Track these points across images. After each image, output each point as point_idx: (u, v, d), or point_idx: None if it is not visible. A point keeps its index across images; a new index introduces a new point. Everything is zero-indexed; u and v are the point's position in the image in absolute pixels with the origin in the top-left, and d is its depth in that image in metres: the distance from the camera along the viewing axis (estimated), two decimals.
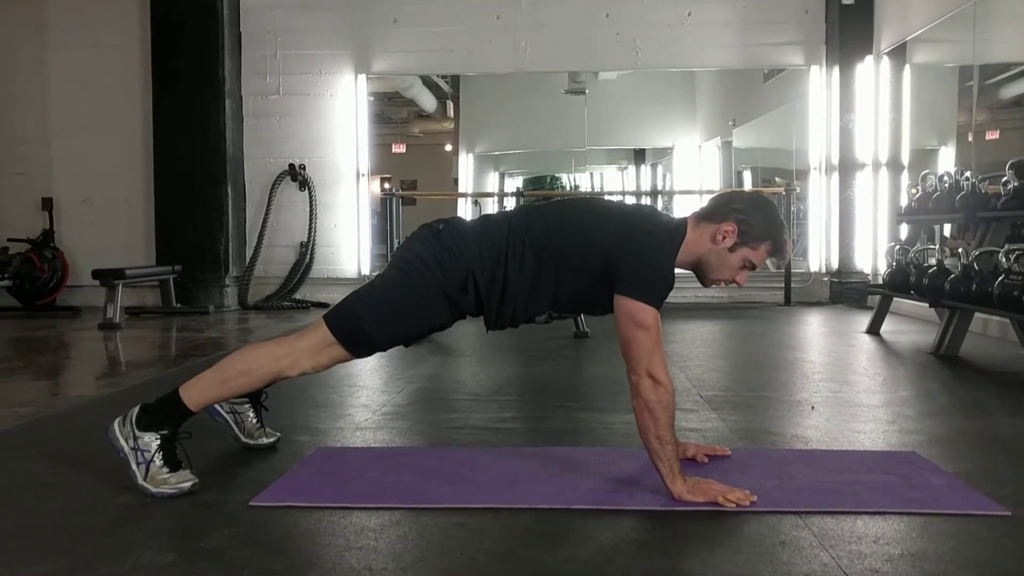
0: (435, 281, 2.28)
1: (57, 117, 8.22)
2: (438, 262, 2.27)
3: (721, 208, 2.29)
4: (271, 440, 2.72)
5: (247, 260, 8.06)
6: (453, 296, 2.30)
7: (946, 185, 5.15)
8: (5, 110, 8.24)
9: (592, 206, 2.41)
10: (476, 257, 2.27)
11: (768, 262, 8.07)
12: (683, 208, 12.99)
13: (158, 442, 2.22)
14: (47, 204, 8.03)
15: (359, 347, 2.34)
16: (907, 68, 7.19)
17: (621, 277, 2.18)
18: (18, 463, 2.61)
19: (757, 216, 2.26)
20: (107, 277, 6.63)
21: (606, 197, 14.17)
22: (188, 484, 2.21)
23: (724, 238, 2.25)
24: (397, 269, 2.34)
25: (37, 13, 8.17)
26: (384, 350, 2.42)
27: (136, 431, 2.22)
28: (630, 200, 14.18)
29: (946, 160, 7.25)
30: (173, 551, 1.87)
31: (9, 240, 7.76)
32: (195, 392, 2.28)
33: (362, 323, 2.29)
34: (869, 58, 7.53)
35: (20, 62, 8.21)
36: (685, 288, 7.72)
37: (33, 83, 8.19)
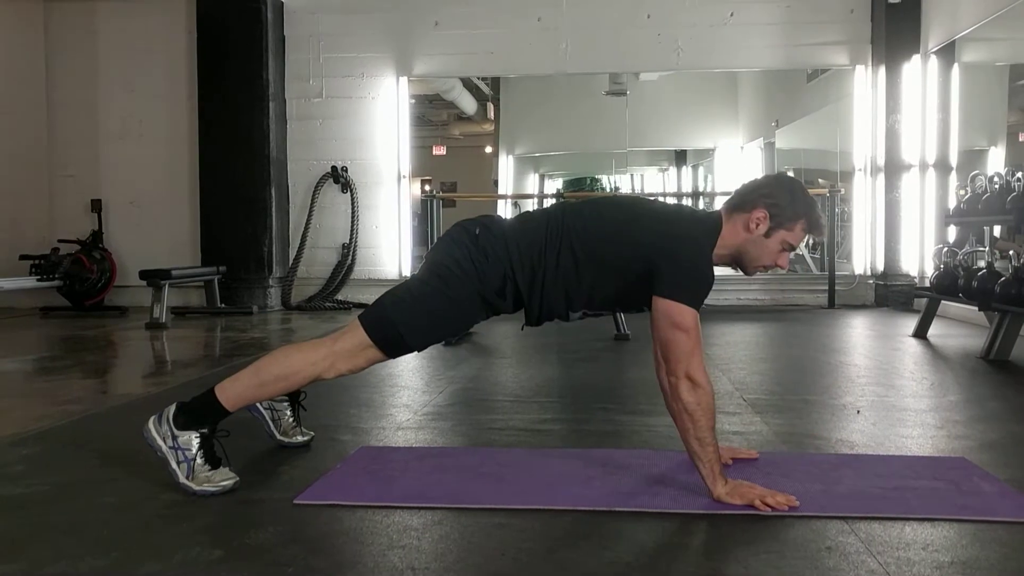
0: (472, 286, 2.28)
1: (105, 120, 8.39)
2: (475, 267, 2.27)
3: (749, 196, 2.27)
4: (305, 439, 2.74)
5: (290, 261, 8.15)
6: (490, 300, 2.31)
7: (996, 186, 5.04)
8: (56, 114, 8.42)
9: (630, 205, 2.39)
10: (514, 257, 2.27)
11: (810, 260, 7.89)
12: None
13: (198, 440, 2.25)
14: (96, 206, 8.19)
15: (395, 350, 2.36)
16: (955, 67, 7.06)
17: (660, 278, 2.17)
18: (68, 460, 2.66)
19: (786, 197, 2.25)
20: (154, 278, 6.74)
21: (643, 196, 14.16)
22: (230, 482, 2.24)
23: (758, 225, 2.23)
24: (434, 274, 2.32)
25: (87, 20, 8.34)
26: (420, 351, 2.43)
27: (174, 430, 2.24)
28: (671, 202, 14.11)
29: (996, 161, 7.11)
30: (219, 547, 1.90)
31: (59, 241, 7.93)
32: (232, 393, 2.30)
33: (398, 328, 2.29)
34: (916, 57, 7.40)
35: (71, 67, 8.38)
36: (727, 291, 7.67)
37: (83, 87, 8.37)
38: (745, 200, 2.27)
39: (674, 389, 2.14)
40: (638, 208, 2.37)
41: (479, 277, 2.27)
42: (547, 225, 2.29)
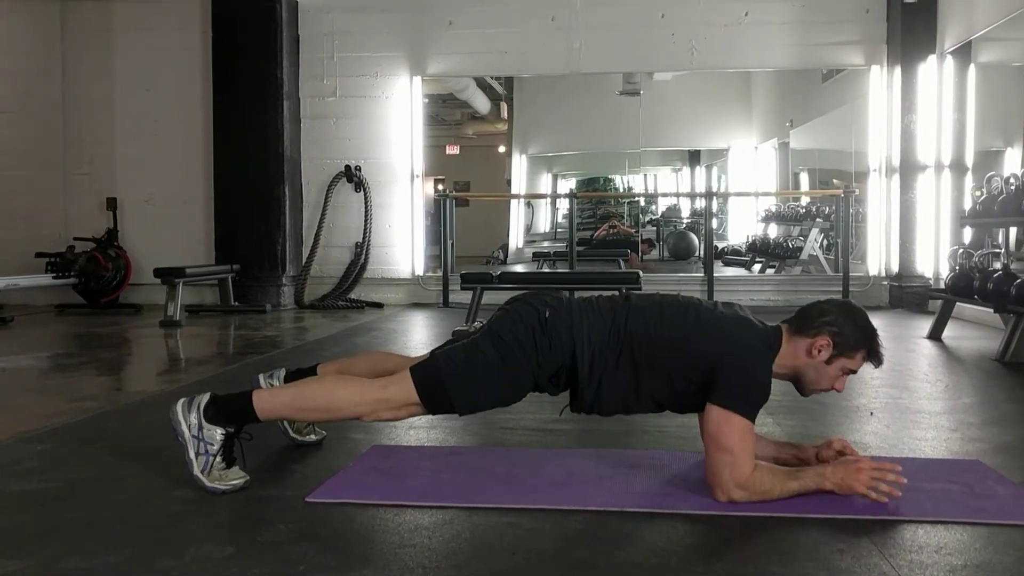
0: (530, 369, 2.29)
1: (121, 119, 8.43)
2: (537, 352, 2.27)
3: (813, 321, 2.28)
4: (317, 438, 2.76)
5: (303, 260, 8.17)
6: (540, 383, 2.32)
7: (1012, 187, 5.00)
8: (72, 113, 8.47)
9: (695, 311, 2.32)
10: (577, 351, 2.26)
11: (824, 261, 7.86)
12: (739, 211, 12.86)
13: (222, 437, 2.26)
14: (111, 204, 8.22)
15: (439, 410, 2.39)
16: (972, 68, 7.01)
17: (718, 385, 2.16)
18: (84, 456, 2.68)
19: (849, 326, 2.26)
20: (168, 276, 6.78)
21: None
22: (241, 481, 2.25)
23: (820, 352, 2.25)
24: (495, 348, 2.29)
25: (103, 19, 8.38)
26: (461, 416, 2.44)
27: (203, 420, 2.25)
28: (684, 202, 14.07)
29: (1012, 162, 7.05)
30: (232, 544, 1.91)
31: (75, 239, 7.97)
32: (268, 406, 2.31)
33: (449, 393, 2.29)
34: (932, 57, 7.35)
35: (87, 66, 8.43)
36: (740, 291, 7.65)
37: (99, 86, 8.41)
38: (809, 324, 2.28)
39: (728, 500, 2.12)
40: (703, 316, 2.31)
41: (538, 363, 2.28)
42: (612, 324, 2.28)
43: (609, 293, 2.43)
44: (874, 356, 2.28)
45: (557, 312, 2.30)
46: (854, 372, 2.30)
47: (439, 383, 2.29)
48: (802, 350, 2.26)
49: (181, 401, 2.29)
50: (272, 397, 2.34)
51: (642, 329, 2.27)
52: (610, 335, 2.27)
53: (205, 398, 2.29)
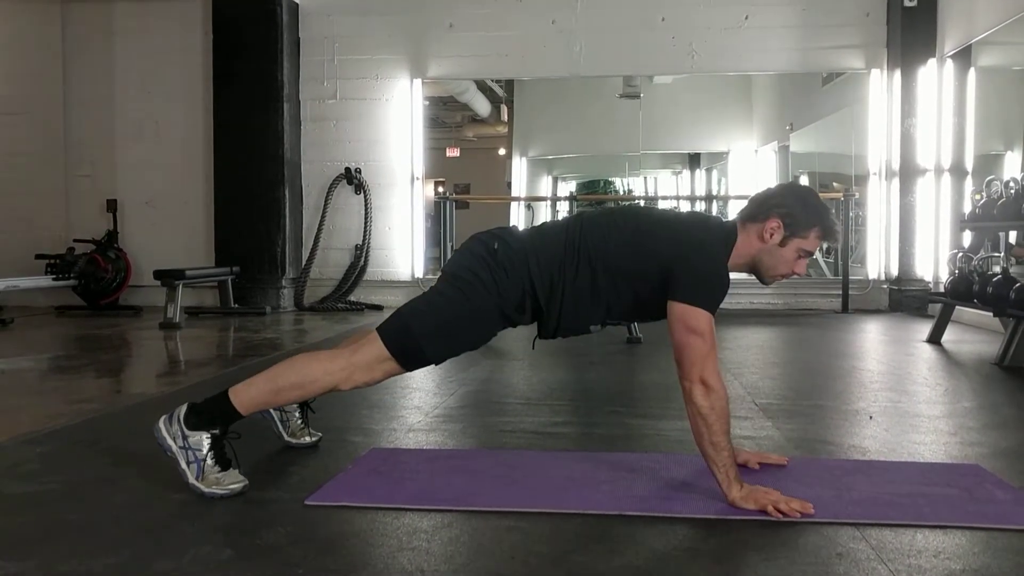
0: (492, 300, 2.28)
1: (121, 121, 8.44)
2: (495, 282, 2.27)
3: (762, 206, 2.29)
4: (313, 440, 2.76)
5: (303, 262, 8.18)
6: (508, 313, 2.31)
7: (1012, 191, 5.01)
8: (73, 114, 8.48)
9: (646, 215, 2.41)
10: (533, 272, 2.27)
11: (824, 264, 7.86)
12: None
13: (209, 441, 2.24)
14: (111, 206, 8.23)
15: (414, 362, 2.35)
16: (972, 71, 7.02)
17: (676, 283, 2.18)
18: (83, 458, 2.68)
19: (798, 205, 2.27)
20: (168, 278, 6.78)
21: (657, 205, 14.11)
22: (239, 485, 2.24)
23: (772, 235, 2.26)
24: (455, 288, 2.31)
25: (104, 20, 8.40)
26: (438, 364, 2.44)
27: (185, 430, 2.24)
28: (684, 205, 14.07)
29: (1012, 166, 7.05)
30: (230, 547, 1.91)
31: (75, 241, 7.98)
32: (245, 397, 2.29)
33: (419, 341, 2.29)
34: (932, 61, 7.36)
35: (87, 68, 8.44)
36: (740, 295, 7.65)
37: (99, 88, 8.42)
38: (758, 210, 2.29)
39: (688, 393, 2.15)
40: (654, 218, 2.38)
41: (499, 291, 2.27)
42: (565, 238, 2.30)
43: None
44: (828, 233, 2.29)
45: (505, 240, 2.32)
46: (811, 254, 2.31)
47: (407, 335, 2.29)
48: (755, 236, 2.27)
49: (162, 418, 2.28)
50: (247, 388, 2.31)
51: (597, 237, 2.28)
52: (565, 249, 2.28)
53: (183, 408, 2.27)
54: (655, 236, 2.27)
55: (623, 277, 2.27)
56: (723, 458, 2.13)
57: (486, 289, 2.27)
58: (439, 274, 2.43)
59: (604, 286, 2.27)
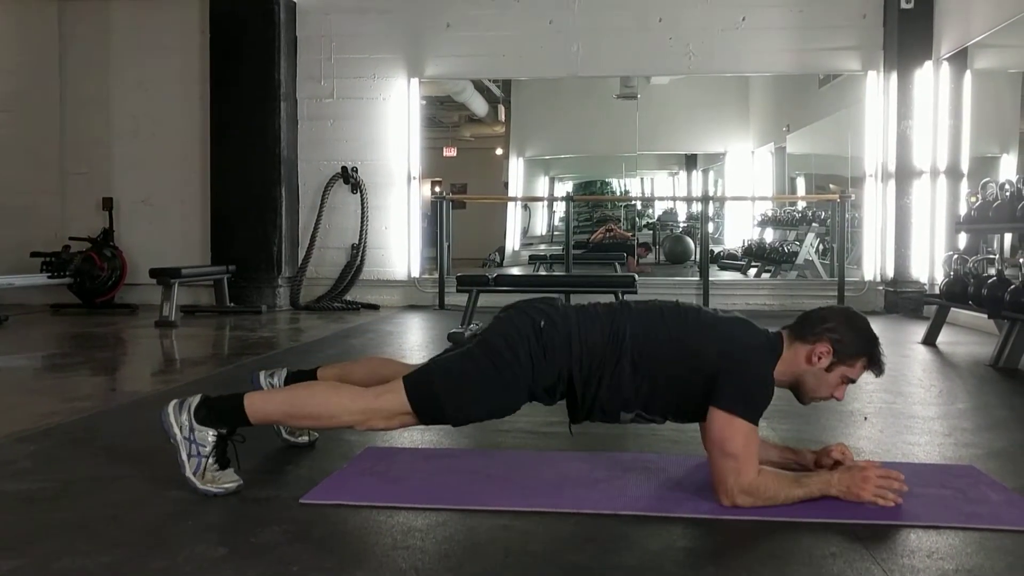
0: (525, 380, 2.26)
1: (118, 119, 8.42)
2: (532, 363, 2.24)
3: (814, 328, 2.26)
4: (311, 439, 2.76)
5: (299, 261, 8.17)
6: (536, 394, 2.30)
7: (1008, 194, 5.02)
8: (69, 112, 8.46)
9: (695, 315, 2.33)
10: (574, 360, 2.24)
11: (820, 265, 7.84)
12: (735, 215, 12.88)
13: (214, 439, 2.25)
14: (107, 204, 8.21)
15: (432, 421, 2.36)
16: (968, 74, 7.03)
17: (721, 389, 2.15)
18: (78, 457, 2.68)
19: (850, 334, 2.25)
20: (164, 276, 6.76)
21: (653, 204, 14.10)
22: (234, 485, 2.24)
23: (820, 359, 2.23)
24: (489, 360, 2.26)
25: (101, 18, 8.38)
26: (455, 427, 2.45)
27: (193, 422, 2.24)
28: (681, 206, 14.08)
29: (1008, 168, 7.07)
30: (225, 545, 1.91)
31: (71, 239, 7.96)
32: (260, 410, 2.29)
33: (443, 406, 2.27)
34: (928, 63, 7.37)
35: (84, 65, 8.42)
36: (736, 295, 7.66)
37: (96, 86, 8.40)
38: (810, 331, 2.26)
39: (733, 505, 2.12)
40: (703, 319, 2.32)
41: (533, 374, 2.25)
42: (611, 328, 2.26)
43: (606, 299, 2.41)
44: (875, 364, 2.27)
45: (552, 320, 2.27)
46: (853, 381, 2.28)
47: (432, 394, 2.27)
48: (802, 357, 2.25)
49: (173, 403, 2.27)
50: (264, 402, 2.32)
51: (640, 333, 2.25)
52: (608, 340, 2.24)
53: (196, 400, 2.27)
54: (702, 336, 2.23)
55: (665, 376, 2.23)
56: (799, 498, 2.13)
57: (521, 369, 2.24)
58: (478, 335, 2.37)
59: (644, 382, 2.24)
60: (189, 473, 2.22)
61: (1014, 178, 5.23)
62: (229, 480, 2.25)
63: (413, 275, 8.25)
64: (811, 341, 2.24)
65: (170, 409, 2.26)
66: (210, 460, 2.24)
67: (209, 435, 2.24)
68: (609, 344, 2.24)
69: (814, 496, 2.14)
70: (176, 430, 2.24)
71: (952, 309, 5.45)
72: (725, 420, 2.11)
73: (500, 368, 2.25)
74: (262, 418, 2.30)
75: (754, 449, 2.13)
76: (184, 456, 2.23)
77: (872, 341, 2.27)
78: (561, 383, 2.27)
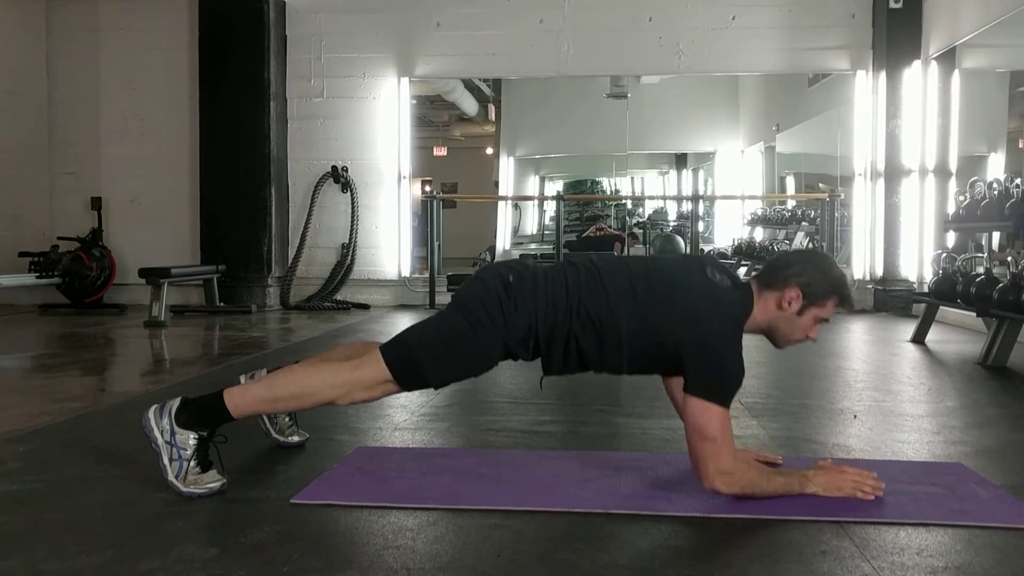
0: (499, 334, 2.26)
1: (107, 118, 8.39)
2: (503, 316, 2.25)
3: (780, 274, 2.28)
4: (301, 439, 2.75)
5: (289, 261, 8.15)
6: (512, 348, 2.29)
7: (995, 192, 5.05)
8: (58, 111, 8.42)
9: (663, 290, 2.26)
10: (539, 312, 2.25)
11: None
12: (725, 214, 12.90)
13: (195, 442, 2.23)
14: (96, 203, 8.18)
15: (413, 385, 2.36)
16: (956, 73, 7.07)
17: (691, 375, 2.17)
18: (67, 457, 2.67)
19: (817, 275, 2.27)
20: (153, 276, 6.74)
21: (644, 203, 14.06)
22: (217, 484, 2.23)
23: (790, 303, 2.25)
24: (462, 316, 2.28)
25: (89, 17, 8.34)
26: (436, 389, 2.45)
27: (174, 426, 2.22)
28: (671, 205, 14.10)
29: (995, 167, 7.11)
30: (215, 546, 1.90)
31: (59, 238, 7.93)
32: (240, 402, 2.28)
33: (422, 368, 2.27)
34: (917, 63, 7.41)
35: (72, 65, 8.38)
36: None
37: (84, 85, 8.36)
38: (776, 278, 2.28)
39: (712, 490, 2.15)
40: (673, 294, 2.25)
41: (505, 326, 2.25)
42: (567, 285, 2.26)
43: (574, 259, 2.42)
44: (845, 301, 2.30)
45: (521, 275, 2.29)
46: (826, 320, 2.31)
47: (410, 357, 2.28)
48: (772, 304, 2.27)
49: (153, 407, 2.26)
50: (243, 392, 2.30)
51: (605, 310, 2.24)
52: (568, 296, 2.25)
53: (176, 403, 2.25)
54: (665, 318, 2.21)
55: (630, 349, 2.24)
56: (777, 490, 2.17)
57: (493, 323, 2.25)
58: (449, 299, 2.40)
59: (605, 349, 2.25)
60: (171, 477, 2.21)
61: (1002, 177, 5.26)
62: (212, 480, 2.23)
63: (404, 274, 8.24)
64: (779, 288, 2.26)
65: (150, 414, 2.25)
66: (192, 463, 2.22)
67: (190, 438, 2.23)
68: (568, 299, 2.25)
69: (794, 489, 2.18)
70: (156, 434, 2.23)
71: (941, 307, 5.48)
72: (701, 407, 2.14)
73: (474, 325, 2.26)
74: (244, 410, 2.29)
75: (730, 432, 2.17)
76: (166, 460, 2.22)
77: (840, 279, 2.30)
78: (531, 336, 2.27)
